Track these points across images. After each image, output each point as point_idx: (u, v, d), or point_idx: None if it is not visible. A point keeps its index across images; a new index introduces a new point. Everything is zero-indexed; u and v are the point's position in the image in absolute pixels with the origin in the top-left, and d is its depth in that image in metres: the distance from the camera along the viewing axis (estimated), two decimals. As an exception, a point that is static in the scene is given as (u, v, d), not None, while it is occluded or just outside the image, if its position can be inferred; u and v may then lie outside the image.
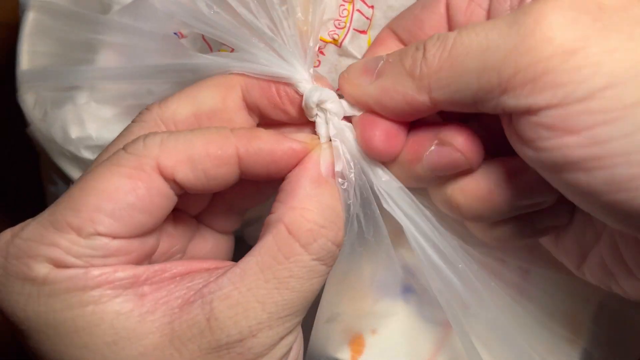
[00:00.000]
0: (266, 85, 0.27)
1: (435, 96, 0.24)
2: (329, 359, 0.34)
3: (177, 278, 0.25)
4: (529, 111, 0.21)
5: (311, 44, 0.27)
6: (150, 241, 0.26)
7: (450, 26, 0.27)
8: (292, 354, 0.26)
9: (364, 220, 0.27)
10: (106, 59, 0.32)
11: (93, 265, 0.24)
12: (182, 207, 0.29)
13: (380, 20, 0.33)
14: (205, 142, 0.25)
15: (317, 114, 0.27)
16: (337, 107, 0.27)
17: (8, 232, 0.24)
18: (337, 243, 0.26)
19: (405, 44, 0.28)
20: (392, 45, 0.28)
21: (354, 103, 0.27)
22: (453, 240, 0.28)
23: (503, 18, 0.22)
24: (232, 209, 0.31)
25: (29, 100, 0.33)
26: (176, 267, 0.26)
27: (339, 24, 0.32)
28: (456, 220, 0.30)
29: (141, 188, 0.24)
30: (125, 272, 0.24)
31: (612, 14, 0.20)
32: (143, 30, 0.28)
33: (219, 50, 0.32)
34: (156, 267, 0.25)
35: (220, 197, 0.30)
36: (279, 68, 0.27)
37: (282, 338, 0.25)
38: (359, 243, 0.28)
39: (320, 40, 0.32)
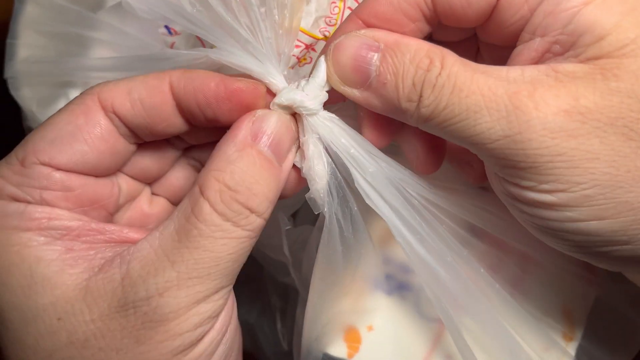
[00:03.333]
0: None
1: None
2: (325, 356, 0.34)
3: (112, 244, 0.26)
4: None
5: (286, 50, 0.28)
6: (100, 185, 0.27)
7: None
8: (213, 333, 0.26)
9: (342, 219, 0.28)
10: (97, 54, 0.33)
11: (33, 201, 0.25)
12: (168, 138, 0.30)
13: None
14: (143, 77, 0.27)
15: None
16: (312, 105, 0.27)
17: None
18: (251, 208, 0.25)
19: None
20: None
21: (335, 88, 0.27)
22: (444, 232, 0.28)
23: (496, 104, 0.23)
24: None
25: (25, 92, 0.34)
26: (115, 233, 0.26)
27: (330, 21, 0.32)
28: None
29: (80, 118, 0.26)
30: (60, 222, 0.25)
31: (595, 124, 0.22)
32: (129, 29, 0.29)
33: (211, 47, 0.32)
34: (93, 225, 0.26)
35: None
36: (253, 65, 0.27)
37: (193, 304, 0.24)
38: (340, 242, 0.28)
39: (311, 37, 0.32)
